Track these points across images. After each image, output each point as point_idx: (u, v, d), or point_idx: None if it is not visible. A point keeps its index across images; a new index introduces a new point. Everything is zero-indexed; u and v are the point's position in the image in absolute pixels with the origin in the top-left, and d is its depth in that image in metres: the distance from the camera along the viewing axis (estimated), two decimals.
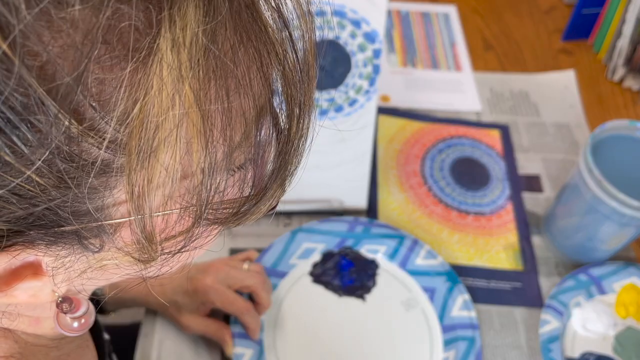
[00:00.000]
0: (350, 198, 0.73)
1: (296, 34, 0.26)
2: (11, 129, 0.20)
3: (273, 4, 0.25)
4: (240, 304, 0.59)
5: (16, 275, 0.26)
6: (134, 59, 0.21)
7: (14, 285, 0.26)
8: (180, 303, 0.59)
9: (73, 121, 0.21)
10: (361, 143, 0.69)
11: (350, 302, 0.66)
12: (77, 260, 0.26)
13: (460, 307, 0.65)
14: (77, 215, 0.23)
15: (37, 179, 0.21)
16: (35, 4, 0.19)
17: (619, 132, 0.66)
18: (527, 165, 0.81)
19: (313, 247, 0.69)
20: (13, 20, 0.18)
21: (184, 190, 0.25)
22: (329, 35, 0.61)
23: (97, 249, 0.26)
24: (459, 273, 0.69)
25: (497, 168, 0.80)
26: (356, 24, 0.60)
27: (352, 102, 0.66)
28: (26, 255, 0.25)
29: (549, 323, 0.65)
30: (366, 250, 0.69)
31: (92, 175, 0.22)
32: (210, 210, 0.26)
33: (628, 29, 0.86)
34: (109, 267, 0.27)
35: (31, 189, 0.21)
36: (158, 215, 0.25)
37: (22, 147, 0.20)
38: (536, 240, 0.74)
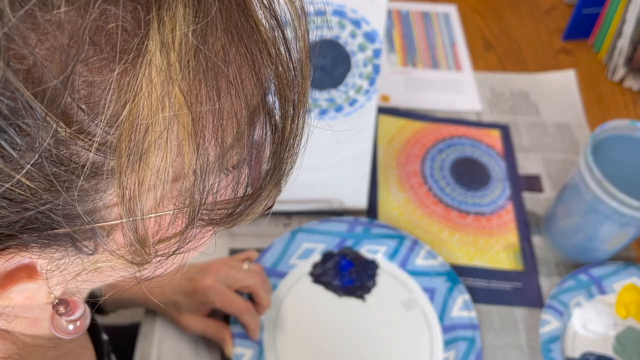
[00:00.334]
0: (350, 198, 0.73)
1: (289, 32, 0.26)
2: None
3: (265, 2, 0.25)
4: (240, 304, 0.59)
5: (11, 277, 0.26)
6: (123, 61, 0.21)
7: (9, 287, 0.26)
8: (180, 303, 0.59)
9: (62, 124, 0.20)
10: (361, 143, 0.69)
11: (350, 303, 0.66)
12: (72, 262, 0.26)
13: (461, 307, 0.65)
14: (69, 218, 0.23)
15: (27, 182, 0.21)
16: (20, 6, 0.19)
17: (619, 132, 0.66)
18: (527, 165, 0.81)
19: (313, 247, 0.69)
20: None
21: (176, 192, 0.25)
22: (329, 35, 0.61)
23: (91, 252, 0.25)
24: (459, 273, 0.69)
25: (497, 168, 0.80)
26: (356, 23, 0.60)
27: (352, 102, 0.66)
28: (20, 258, 0.25)
29: (550, 323, 0.65)
30: (366, 250, 0.69)
31: (82, 178, 0.22)
32: (204, 212, 0.26)
33: (628, 29, 0.86)
34: (103, 270, 0.27)
35: (22, 192, 0.21)
36: (150, 218, 0.25)
37: (11, 151, 0.20)
38: (536, 240, 0.74)
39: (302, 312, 0.65)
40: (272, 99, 0.27)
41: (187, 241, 0.27)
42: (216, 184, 0.26)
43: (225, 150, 0.25)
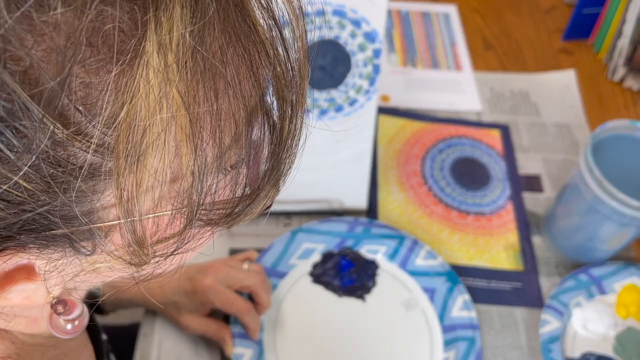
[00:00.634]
0: (350, 198, 0.73)
1: (287, 32, 0.26)
2: None
3: (263, 2, 0.25)
4: (240, 304, 0.59)
5: (9, 278, 0.26)
6: (120, 62, 0.21)
7: (7, 288, 0.26)
8: (180, 303, 0.59)
9: (59, 126, 0.20)
10: (361, 143, 0.69)
11: (350, 303, 0.66)
12: (70, 263, 0.26)
13: (461, 307, 0.65)
14: (66, 219, 0.23)
15: (25, 184, 0.21)
16: (16, 7, 0.19)
17: (620, 132, 0.66)
18: (527, 165, 0.81)
19: (313, 247, 0.69)
20: None
21: (174, 193, 0.24)
22: (329, 35, 0.61)
23: (89, 252, 0.25)
24: (459, 273, 0.69)
25: (497, 168, 0.80)
26: (356, 23, 0.60)
27: (352, 102, 0.66)
28: (19, 259, 0.25)
29: (550, 323, 0.65)
30: (366, 250, 0.69)
31: (80, 179, 0.22)
32: (203, 212, 0.26)
33: (628, 29, 0.86)
34: (102, 270, 0.27)
35: (19, 194, 0.21)
36: (148, 219, 0.25)
37: (8, 153, 0.20)
38: (536, 240, 0.74)
39: (302, 312, 0.65)
40: (270, 99, 0.27)
41: (186, 242, 0.27)
42: (214, 185, 0.26)
43: (224, 151, 0.25)
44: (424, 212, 0.75)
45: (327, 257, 0.68)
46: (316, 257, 0.68)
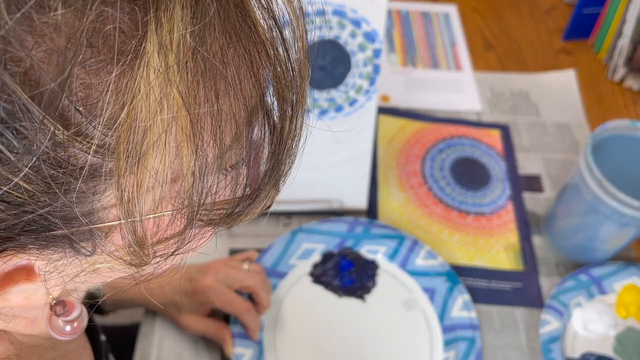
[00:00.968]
0: (350, 198, 0.73)
1: (288, 32, 0.26)
2: None
3: (263, 2, 0.25)
4: (240, 304, 0.59)
5: (9, 278, 0.26)
6: (121, 63, 0.21)
7: (7, 288, 0.26)
8: (180, 303, 0.59)
9: (59, 127, 0.20)
10: (361, 143, 0.69)
11: (350, 303, 0.66)
12: (70, 263, 0.26)
13: (461, 307, 0.65)
14: (66, 219, 0.23)
15: (25, 185, 0.21)
16: (16, 8, 0.19)
17: (620, 132, 0.66)
18: (527, 165, 0.81)
19: (313, 247, 0.69)
20: None
21: (175, 193, 0.24)
22: (329, 35, 0.61)
23: (89, 253, 0.25)
24: (459, 273, 0.69)
25: (497, 168, 0.80)
26: (356, 23, 0.60)
27: (352, 102, 0.66)
28: (18, 260, 0.25)
29: (550, 323, 0.65)
30: (366, 250, 0.69)
31: (80, 180, 0.22)
32: (203, 212, 0.26)
33: (628, 29, 0.86)
34: (102, 271, 0.27)
35: (19, 195, 0.21)
36: (149, 219, 0.25)
37: (8, 154, 0.20)
38: (536, 240, 0.74)
39: (302, 312, 0.65)
40: (270, 99, 0.27)
41: (186, 242, 0.27)
42: (215, 185, 0.26)
43: (224, 151, 0.25)
44: (424, 212, 0.75)
45: (327, 257, 0.68)
46: (316, 257, 0.68)
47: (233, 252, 0.70)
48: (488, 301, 0.68)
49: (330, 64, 0.63)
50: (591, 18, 0.95)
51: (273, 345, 0.62)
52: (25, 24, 0.19)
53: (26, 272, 0.26)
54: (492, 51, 0.97)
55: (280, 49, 0.26)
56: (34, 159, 0.20)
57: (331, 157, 0.69)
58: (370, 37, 0.61)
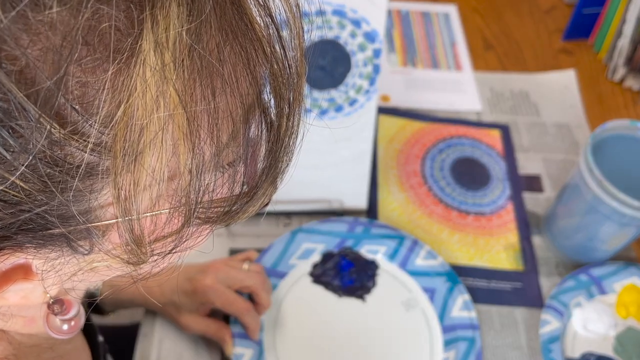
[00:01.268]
0: (350, 198, 0.73)
1: (284, 30, 0.26)
2: None
3: None
4: (240, 304, 0.59)
5: (6, 277, 0.25)
6: (117, 61, 0.21)
7: (4, 287, 0.26)
8: (180, 303, 0.59)
9: (55, 125, 0.20)
10: (361, 143, 0.69)
11: (350, 303, 0.66)
12: (67, 262, 0.26)
13: (461, 307, 0.65)
14: (64, 218, 0.23)
15: (22, 184, 0.21)
16: (11, 7, 0.18)
17: (620, 132, 0.66)
18: (527, 165, 0.81)
19: (313, 247, 0.69)
20: None
21: (172, 191, 0.24)
22: (329, 35, 0.61)
23: (86, 252, 0.25)
24: (459, 273, 0.68)
25: (497, 168, 0.80)
26: (356, 23, 0.60)
27: (352, 102, 0.66)
28: (16, 259, 0.25)
29: (550, 323, 0.65)
30: (366, 250, 0.69)
31: (77, 179, 0.22)
32: (200, 210, 0.26)
33: (628, 29, 0.86)
34: (99, 269, 0.27)
35: (16, 194, 0.21)
36: (146, 217, 0.25)
37: (4, 153, 0.20)
38: (536, 240, 0.74)
39: (302, 312, 0.65)
40: (267, 97, 0.27)
41: (184, 240, 0.27)
42: (212, 183, 0.26)
43: (221, 149, 0.25)
44: (424, 212, 0.75)
45: (327, 257, 0.68)
46: (316, 257, 0.68)
47: (233, 252, 0.70)
48: (488, 301, 0.68)
49: (330, 64, 0.63)
50: (591, 18, 0.95)
51: (273, 345, 0.62)
52: (20, 22, 0.19)
53: (24, 271, 0.26)
54: (492, 51, 0.97)
55: (277, 47, 0.26)
56: (30, 157, 0.20)
57: (331, 157, 0.69)
58: (370, 37, 0.61)
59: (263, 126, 0.27)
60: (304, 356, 0.62)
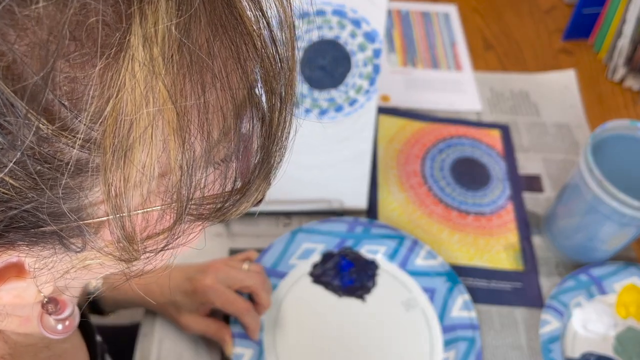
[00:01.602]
0: (350, 198, 0.73)
1: (275, 24, 0.26)
2: None
3: None
4: (240, 304, 0.59)
5: None
6: (105, 56, 0.20)
7: None
8: (180, 303, 0.59)
9: (44, 121, 0.20)
10: (361, 143, 0.69)
11: (350, 303, 0.66)
12: (60, 260, 0.26)
13: (461, 307, 0.65)
14: (55, 216, 0.23)
15: (11, 181, 0.21)
16: None
17: (620, 132, 0.66)
18: (527, 165, 0.81)
19: (313, 247, 0.69)
20: None
21: (163, 188, 0.24)
22: (329, 35, 0.61)
23: (78, 249, 0.25)
24: (459, 273, 0.68)
25: (497, 168, 0.80)
26: (356, 23, 0.60)
27: (352, 102, 0.66)
28: (8, 257, 0.24)
29: (550, 323, 0.65)
30: (366, 250, 0.69)
31: (67, 175, 0.22)
32: (192, 207, 0.26)
33: (628, 29, 0.86)
34: (92, 267, 0.27)
35: (5, 191, 0.21)
36: (137, 214, 0.24)
37: None
38: (536, 240, 0.74)
39: (302, 312, 0.65)
40: (259, 91, 0.27)
41: (176, 237, 0.27)
42: (204, 179, 0.25)
43: (212, 145, 0.25)
44: (424, 212, 0.75)
45: (327, 257, 0.68)
46: (316, 257, 0.68)
47: (233, 252, 0.69)
48: (488, 301, 0.68)
49: (330, 64, 0.63)
50: (591, 18, 0.95)
51: (273, 345, 0.62)
52: (6, 18, 0.19)
53: (16, 270, 0.26)
54: (492, 51, 0.97)
55: (267, 41, 0.25)
56: (19, 154, 0.20)
57: (331, 156, 0.69)
58: (370, 37, 0.61)
59: (255, 121, 0.27)
60: (304, 356, 0.62)
